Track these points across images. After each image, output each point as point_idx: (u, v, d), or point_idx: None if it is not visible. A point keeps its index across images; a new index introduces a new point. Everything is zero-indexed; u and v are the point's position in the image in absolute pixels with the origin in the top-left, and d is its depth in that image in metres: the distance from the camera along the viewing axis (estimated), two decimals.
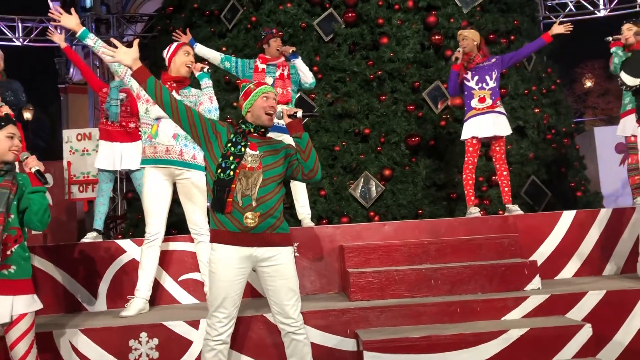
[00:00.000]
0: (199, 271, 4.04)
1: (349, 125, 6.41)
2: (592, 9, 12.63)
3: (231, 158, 2.83)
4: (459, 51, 5.02)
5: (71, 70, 17.76)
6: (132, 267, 4.15)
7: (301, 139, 2.95)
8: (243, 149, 2.85)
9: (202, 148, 2.95)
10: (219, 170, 2.82)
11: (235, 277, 2.85)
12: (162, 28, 8.09)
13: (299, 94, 6.40)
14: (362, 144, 6.41)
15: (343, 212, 6.17)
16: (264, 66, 4.98)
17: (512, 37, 7.16)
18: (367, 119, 6.45)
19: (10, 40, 12.16)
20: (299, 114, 2.96)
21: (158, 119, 3.79)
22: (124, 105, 4.95)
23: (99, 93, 5.12)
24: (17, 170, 3.03)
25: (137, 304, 3.80)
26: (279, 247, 2.90)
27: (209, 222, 3.35)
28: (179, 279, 4.21)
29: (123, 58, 2.92)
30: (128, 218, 7.31)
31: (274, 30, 5.12)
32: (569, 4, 12.56)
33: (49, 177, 8.64)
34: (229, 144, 2.86)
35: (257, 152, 2.88)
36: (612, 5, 12.56)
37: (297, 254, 4.34)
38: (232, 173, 2.80)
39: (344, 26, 6.68)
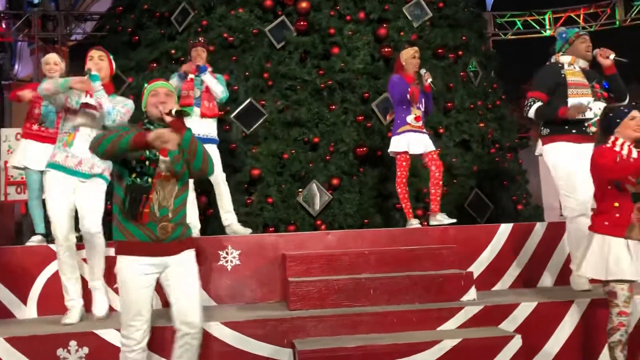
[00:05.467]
0: None
1: (299, 134, 6.40)
2: (538, 28, 13.14)
3: (147, 163, 2.75)
4: (427, 73, 5.12)
5: (16, 66, 17.11)
6: None
7: (183, 140, 2.76)
8: (157, 154, 2.77)
9: None
10: (134, 175, 2.73)
11: (147, 284, 2.82)
12: (110, 28, 7.90)
13: (249, 100, 6.36)
14: (312, 152, 6.41)
15: (290, 221, 6.15)
16: (192, 76, 4.93)
17: (460, 53, 7.33)
18: (317, 128, 6.46)
19: None
20: (174, 111, 2.74)
21: (76, 128, 3.70)
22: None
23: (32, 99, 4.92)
24: None
25: (77, 309, 3.70)
26: (186, 251, 2.91)
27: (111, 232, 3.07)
28: (114, 286, 4.08)
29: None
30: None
31: (201, 39, 5.07)
32: (517, 22, 13.03)
33: None
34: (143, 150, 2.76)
35: (168, 158, 2.80)
36: (557, 26, 13.09)
37: (238, 262, 4.30)
38: (149, 180, 2.74)
39: (296, 34, 6.68)
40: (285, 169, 6.31)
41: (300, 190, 6.23)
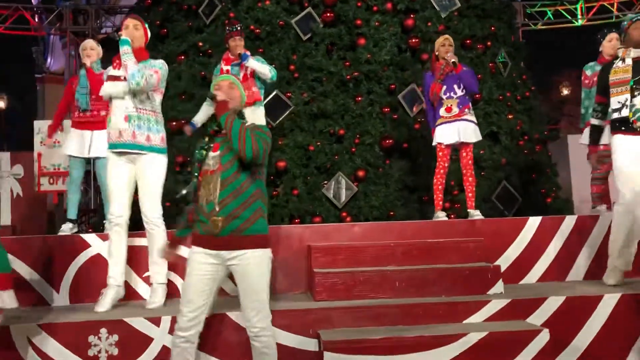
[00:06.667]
0: None
1: (324, 125, 6.40)
2: (570, 17, 12.84)
3: (195, 164, 2.91)
4: (451, 54, 5.03)
5: (48, 60, 17.47)
6: (96, 262, 4.12)
7: (219, 120, 2.90)
8: (205, 153, 2.90)
9: None
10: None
11: (203, 273, 2.88)
12: None
13: (275, 92, 6.38)
14: (337, 144, 6.40)
15: (315, 212, 6.16)
16: (228, 67, 4.99)
17: (489, 43, 7.22)
18: (343, 120, 6.45)
19: None
20: (217, 96, 2.90)
21: (110, 101, 3.78)
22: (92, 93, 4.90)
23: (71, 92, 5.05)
24: None
25: (111, 293, 3.74)
26: (245, 249, 2.86)
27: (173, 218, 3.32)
28: (143, 275, 4.16)
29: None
30: (100, 212, 7.22)
31: (237, 27, 5.09)
32: (548, 12, 12.75)
33: (19, 167, 8.53)
34: (196, 150, 2.94)
35: (218, 152, 2.89)
36: (589, 15, 12.78)
37: None
38: (195, 180, 2.89)
39: (322, 26, 6.66)
40: (311, 161, 6.31)
41: (326, 182, 6.24)
